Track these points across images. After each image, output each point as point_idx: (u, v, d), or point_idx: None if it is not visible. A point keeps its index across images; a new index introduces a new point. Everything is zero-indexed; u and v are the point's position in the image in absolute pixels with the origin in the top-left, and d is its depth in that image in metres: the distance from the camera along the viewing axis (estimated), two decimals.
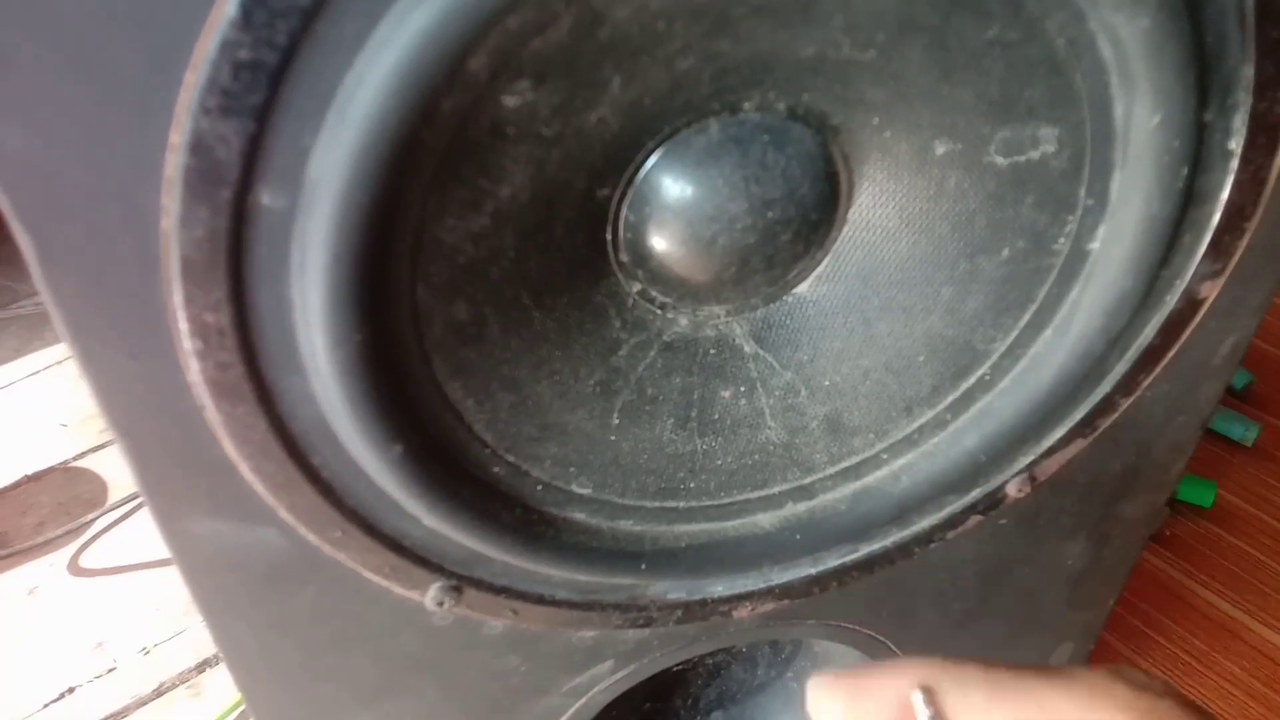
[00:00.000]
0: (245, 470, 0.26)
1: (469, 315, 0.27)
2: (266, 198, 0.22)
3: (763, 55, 0.26)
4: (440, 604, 0.31)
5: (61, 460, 0.90)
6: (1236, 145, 0.28)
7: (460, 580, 0.32)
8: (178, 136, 0.20)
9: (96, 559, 0.82)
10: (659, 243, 0.29)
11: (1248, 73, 0.26)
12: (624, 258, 0.30)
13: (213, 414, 0.25)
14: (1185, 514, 0.88)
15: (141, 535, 0.83)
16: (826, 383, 0.33)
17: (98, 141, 0.20)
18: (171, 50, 0.20)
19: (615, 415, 0.31)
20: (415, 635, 0.33)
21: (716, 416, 0.33)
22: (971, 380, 0.33)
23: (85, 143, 0.20)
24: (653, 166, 0.28)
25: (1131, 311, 0.30)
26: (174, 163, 0.21)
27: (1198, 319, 0.32)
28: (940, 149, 0.28)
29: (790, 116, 0.28)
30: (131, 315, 0.23)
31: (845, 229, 0.31)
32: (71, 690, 0.73)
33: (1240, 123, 0.27)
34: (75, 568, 0.80)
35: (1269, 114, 0.27)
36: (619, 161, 0.27)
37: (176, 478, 0.26)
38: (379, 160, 0.22)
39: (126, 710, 0.72)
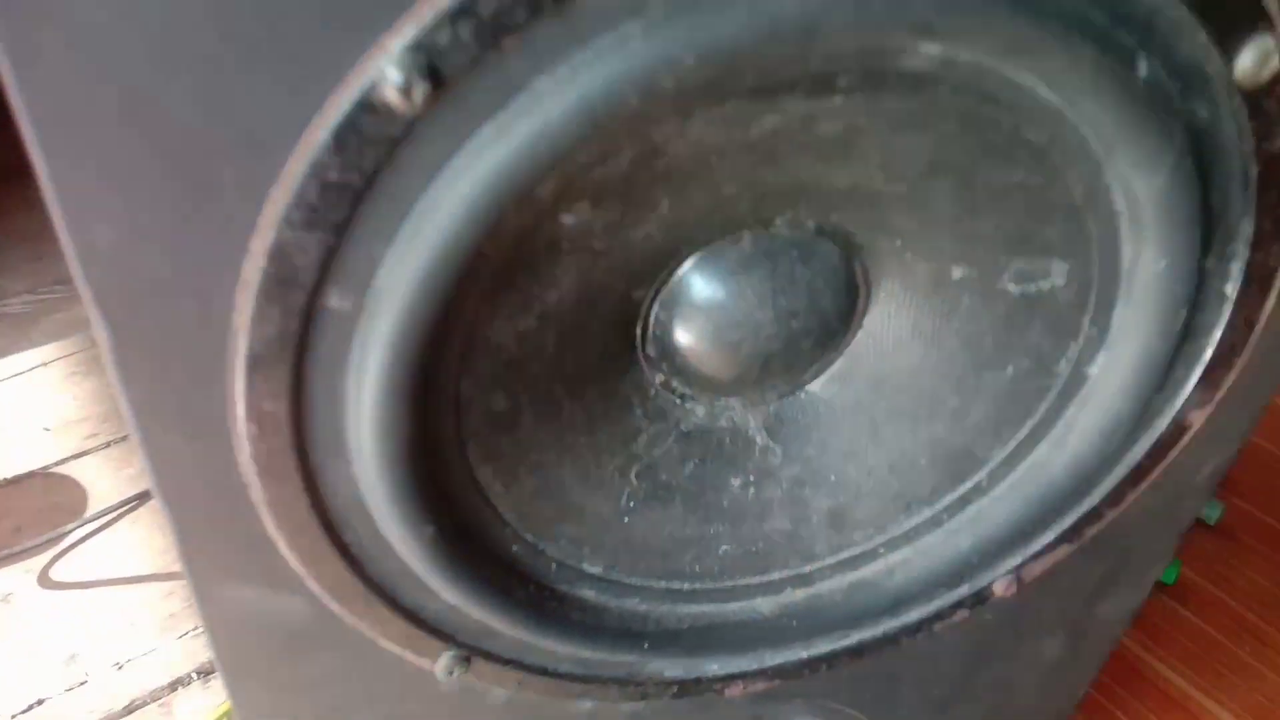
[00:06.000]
0: (282, 545, 0.27)
1: (506, 406, 0.28)
2: (335, 300, 0.23)
3: (801, 183, 0.27)
4: (450, 673, 0.33)
5: (43, 465, 0.90)
6: (1232, 291, 0.30)
7: (470, 651, 0.33)
8: (259, 244, 0.22)
9: (71, 570, 0.81)
10: (685, 340, 0.30)
11: (1247, 228, 0.28)
12: (650, 351, 0.31)
13: (257, 492, 0.26)
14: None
15: (117, 548, 0.83)
16: (832, 478, 0.34)
17: (181, 244, 0.21)
18: (263, 167, 0.21)
19: (630, 499, 0.33)
20: (421, 700, 0.34)
21: (725, 504, 0.34)
22: (969, 485, 0.34)
23: (169, 245, 0.21)
24: (686, 271, 0.29)
25: (1125, 435, 0.32)
26: (252, 267, 0.22)
27: (1184, 442, 0.34)
28: (957, 273, 0.30)
29: (818, 233, 0.30)
30: (193, 401, 0.24)
31: (860, 334, 0.32)
32: (41, 702, 0.72)
33: (1237, 271, 0.29)
34: (45, 579, 0.80)
35: (1263, 265, 0.29)
36: (657, 268, 0.29)
37: (215, 547, 0.27)
38: (445, 276, 0.23)
39: None
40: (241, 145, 0.20)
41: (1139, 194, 0.27)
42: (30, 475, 0.89)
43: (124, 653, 0.76)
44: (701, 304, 0.30)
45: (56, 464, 0.90)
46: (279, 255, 0.22)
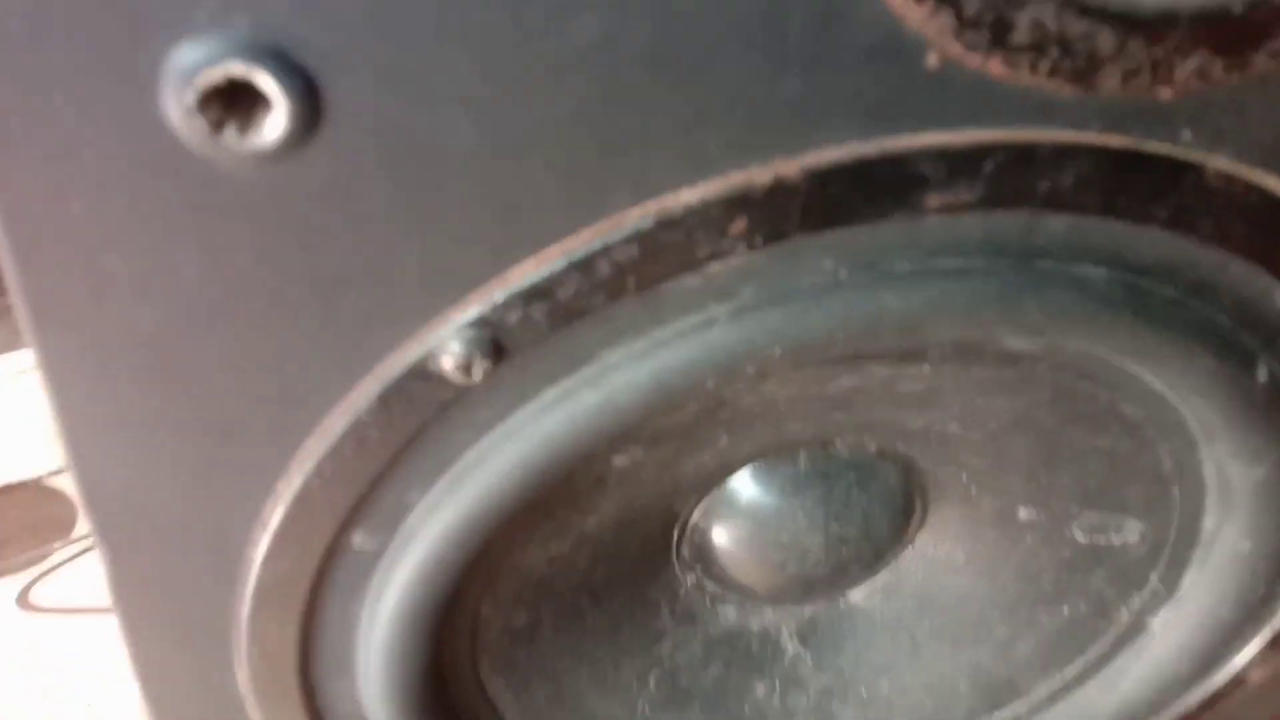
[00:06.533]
0: None
1: (526, 621, 0.26)
2: (358, 541, 0.21)
3: (872, 422, 0.25)
4: None
5: (35, 474, 0.87)
6: None
7: None
8: (285, 487, 0.20)
9: (52, 594, 0.79)
10: (725, 549, 0.28)
11: None
12: (685, 552, 0.29)
13: (253, 707, 0.24)
14: None
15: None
16: (863, 692, 0.32)
17: (198, 488, 0.20)
18: (297, 420, 0.19)
19: (647, 703, 0.31)
20: None
21: (747, 710, 0.32)
22: (1007, 716, 0.32)
23: (184, 488, 0.20)
24: (735, 480, 0.27)
25: (1181, 692, 0.30)
26: (276, 508, 0.20)
27: (1240, 694, 0.31)
28: (1023, 514, 0.28)
29: (879, 455, 0.28)
30: (193, 621, 0.22)
31: (911, 550, 0.30)
32: None
33: None
34: (25, 601, 0.78)
35: None
36: (706, 485, 0.27)
37: None
38: (484, 525, 0.21)
39: None
40: (276, 400, 0.18)
41: (1233, 479, 0.25)
42: (18, 485, 0.87)
43: (99, 691, 0.74)
44: (748, 517, 0.28)
45: (50, 475, 0.88)
46: (304, 501, 0.20)
